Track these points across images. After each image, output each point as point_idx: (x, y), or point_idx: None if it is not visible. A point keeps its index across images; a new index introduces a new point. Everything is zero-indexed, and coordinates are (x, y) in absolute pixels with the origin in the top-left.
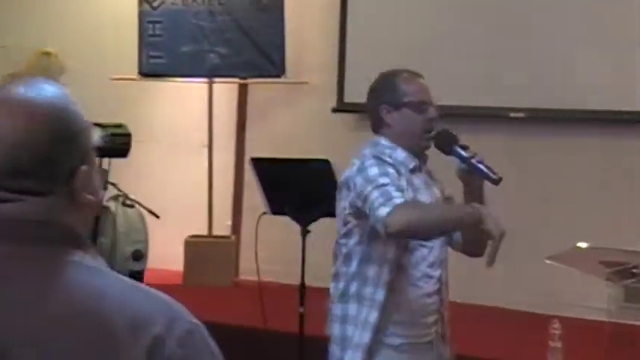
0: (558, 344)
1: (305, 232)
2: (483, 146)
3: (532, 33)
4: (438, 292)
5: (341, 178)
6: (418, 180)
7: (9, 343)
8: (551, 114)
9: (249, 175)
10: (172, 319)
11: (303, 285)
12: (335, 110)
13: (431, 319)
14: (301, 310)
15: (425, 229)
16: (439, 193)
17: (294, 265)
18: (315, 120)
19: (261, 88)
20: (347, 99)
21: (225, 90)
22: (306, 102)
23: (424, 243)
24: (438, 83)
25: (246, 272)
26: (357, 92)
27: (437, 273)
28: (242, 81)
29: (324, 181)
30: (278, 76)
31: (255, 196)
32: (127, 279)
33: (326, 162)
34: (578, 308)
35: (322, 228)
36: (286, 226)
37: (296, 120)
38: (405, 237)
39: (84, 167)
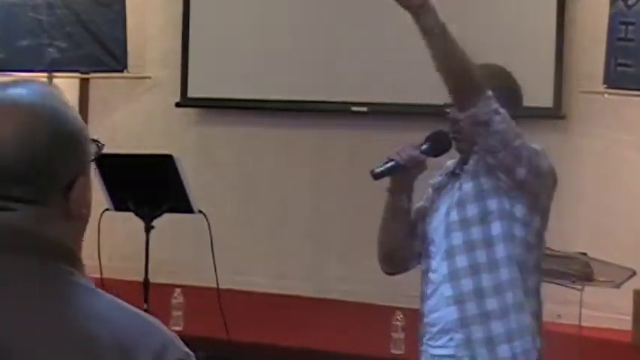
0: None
1: (149, 228)
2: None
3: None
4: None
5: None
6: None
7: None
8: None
9: (91, 171)
10: (163, 347)
11: (147, 281)
12: (178, 105)
13: None
14: (145, 306)
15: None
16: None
17: (139, 261)
18: (159, 115)
19: (102, 83)
20: (190, 94)
21: (66, 85)
22: (149, 97)
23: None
24: (283, 78)
25: (88, 270)
26: (201, 87)
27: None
28: (83, 75)
29: (167, 177)
30: (120, 70)
31: (97, 193)
32: (119, 301)
33: (169, 157)
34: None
35: (166, 223)
36: (129, 222)
37: (139, 115)
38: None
39: (82, 178)
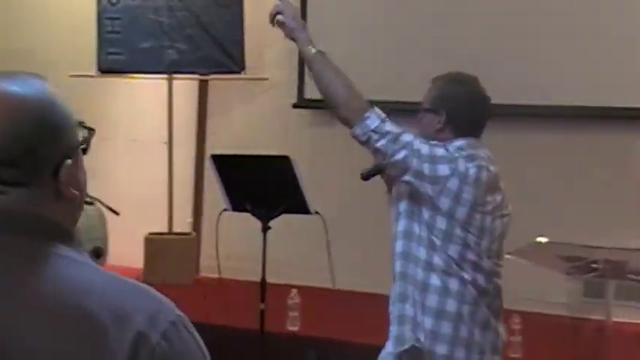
0: (518, 339)
1: (265, 229)
2: None
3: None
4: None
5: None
6: None
7: None
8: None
9: (210, 172)
10: (157, 312)
11: (263, 281)
12: (295, 106)
13: None
14: (262, 306)
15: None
16: None
17: (255, 261)
18: (275, 116)
19: (221, 84)
20: (307, 95)
21: (185, 86)
22: (266, 98)
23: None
24: (405, 80)
25: (207, 269)
26: (317, 89)
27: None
28: (202, 77)
29: (284, 178)
30: (238, 72)
31: (215, 193)
32: (111, 273)
33: (286, 158)
34: (538, 303)
35: (283, 224)
36: (247, 222)
37: (256, 116)
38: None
39: (69, 161)
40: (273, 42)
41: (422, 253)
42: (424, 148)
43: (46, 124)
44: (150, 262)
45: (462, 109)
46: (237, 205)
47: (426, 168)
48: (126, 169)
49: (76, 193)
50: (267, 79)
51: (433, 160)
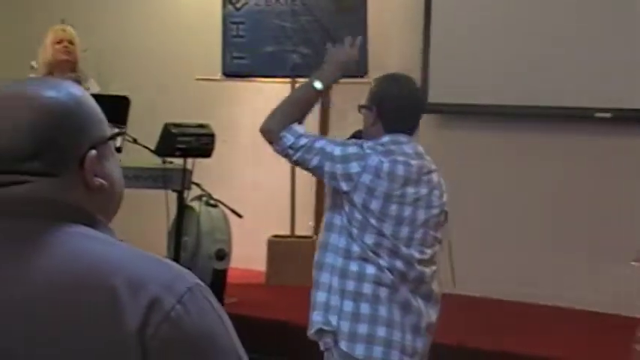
0: None
1: None
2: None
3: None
4: None
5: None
6: None
7: (9, 312)
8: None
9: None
10: (173, 279)
11: None
12: None
13: None
14: None
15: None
16: None
17: None
18: None
19: (343, 89)
20: (430, 100)
21: None
22: None
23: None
24: (526, 84)
25: None
26: (441, 93)
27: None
28: None
29: None
30: (360, 76)
31: None
32: (132, 247)
33: None
34: None
35: None
36: None
37: None
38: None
39: (93, 152)
40: (396, 46)
41: (342, 242)
42: (336, 150)
43: (68, 118)
44: (272, 265)
45: (391, 106)
46: None
47: (339, 168)
48: (249, 172)
49: (103, 182)
50: None
51: (345, 159)
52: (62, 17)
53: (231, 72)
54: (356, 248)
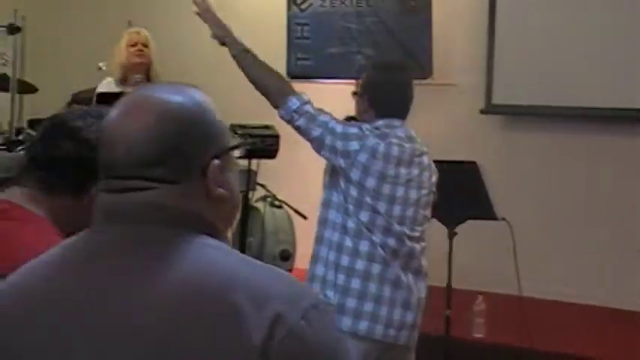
0: None
1: (452, 234)
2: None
3: None
4: None
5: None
6: None
7: (127, 316)
8: None
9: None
10: (297, 294)
11: (449, 287)
12: (483, 112)
13: None
14: (448, 312)
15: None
16: None
17: (441, 267)
18: (463, 122)
19: None
20: (495, 100)
21: None
22: (453, 104)
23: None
24: (591, 83)
25: None
26: (506, 94)
27: None
28: None
29: (471, 184)
30: (425, 77)
31: None
32: (253, 259)
33: (473, 164)
34: None
35: (469, 230)
36: (432, 227)
37: (443, 121)
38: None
39: (216, 161)
40: (461, 48)
41: (339, 218)
42: (338, 128)
43: (194, 126)
44: None
45: (382, 93)
46: None
47: (339, 144)
48: (313, 173)
49: (224, 192)
50: (454, 84)
51: (345, 137)
52: (129, 19)
53: (296, 73)
54: (351, 224)
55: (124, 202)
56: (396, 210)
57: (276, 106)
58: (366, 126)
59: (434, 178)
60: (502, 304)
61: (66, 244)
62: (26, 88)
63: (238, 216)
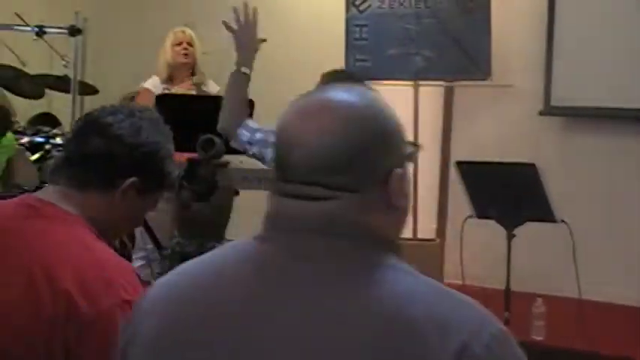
0: None
1: (510, 236)
2: None
3: None
4: None
5: None
6: None
7: (302, 339)
8: None
9: (454, 178)
10: (481, 324)
11: (508, 290)
12: (541, 113)
13: None
14: (506, 314)
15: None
16: None
17: (500, 269)
18: (521, 123)
19: (466, 91)
20: (554, 102)
21: (431, 93)
22: (511, 105)
23: None
24: None
25: (451, 276)
26: (565, 95)
27: None
28: (448, 84)
29: (530, 185)
30: (484, 78)
31: (460, 199)
32: (434, 282)
33: (532, 166)
34: None
35: (528, 232)
36: (491, 229)
37: (501, 123)
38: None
39: (399, 170)
40: (520, 49)
41: None
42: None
43: (379, 133)
44: None
45: None
46: (481, 212)
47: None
48: None
49: (403, 203)
50: (512, 86)
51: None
52: (190, 20)
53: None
54: None
55: (301, 210)
56: None
57: (227, 132)
58: None
59: None
60: (562, 306)
61: (231, 250)
62: (87, 90)
63: None
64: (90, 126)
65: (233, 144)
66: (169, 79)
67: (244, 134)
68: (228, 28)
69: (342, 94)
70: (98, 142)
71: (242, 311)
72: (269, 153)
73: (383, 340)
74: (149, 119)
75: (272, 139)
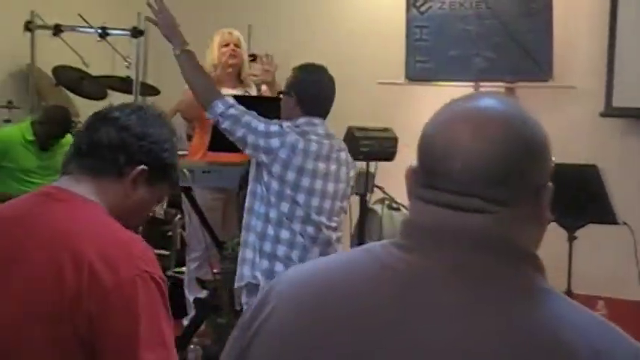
0: None
1: (571, 238)
2: None
3: None
4: None
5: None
6: None
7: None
8: None
9: None
10: (636, 352)
11: (569, 292)
12: (603, 115)
13: None
14: None
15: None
16: None
17: (561, 271)
18: (583, 124)
19: (527, 92)
20: (615, 103)
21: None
22: (572, 106)
23: None
24: None
25: None
26: (626, 96)
27: None
28: (509, 85)
29: (591, 187)
30: (545, 80)
31: None
32: (579, 305)
33: (593, 167)
34: None
35: (589, 234)
36: (552, 231)
37: (563, 124)
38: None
39: (550, 184)
40: (582, 50)
41: (262, 208)
42: (260, 127)
43: (534, 144)
44: None
45: (308, 93)
46: None
47: (261, 142)
48: None
49: (550, 216)
50: (574, 87)
51: (267, 135)
52: (250, 23)
53: (415, 76)
54: (273, 214)
55: (455, 222)
56: (314, 201)
57: (204, 107)
58: (286, 124)
59: (352, 173)
60: (624, 309)
61: (367, 254)
62: (149, 91)
63: (357, 218)
64: (99, 119)
65: (207, 114)
66: (216, 81)
67: (219, 106)
68: (152, 21)
69: (498, 104)
70: (108, 130)
71: (386, 319)
72: (240, 132)
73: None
74: (155, 114)
75: (245, 119)
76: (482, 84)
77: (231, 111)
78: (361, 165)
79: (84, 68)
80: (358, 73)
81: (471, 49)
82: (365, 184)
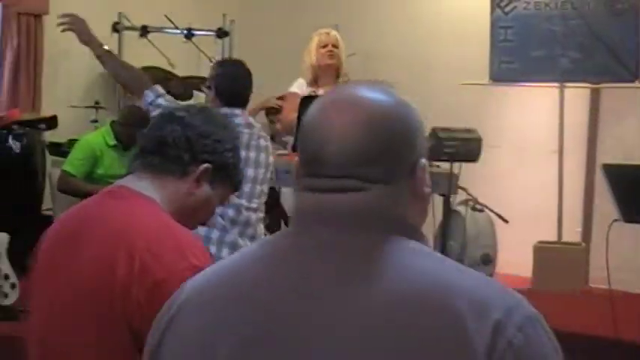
0: None
1: None
2: None
3: None
4: None
5: None
6: None
7: (345, 336)
8: None
9: (600, 181)
10: (514, 305)
11: None
12: None
13: None
14: None
15: None
16: None
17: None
18: None
19: (613, 93)
20: None
21: (577, 95)
22: None
23: None
24: None
25: (596, 280)
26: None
27: None
28: (594, 86)
29: None
30: (632, 80)
31: (606, 203)
32: (460, 265)
33: None
34: None
35: None
36: (638, 233)
37: None
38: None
39: (423, 161)
40: None
41: None
42: None
43: (406, 124)
44: (539, 271)
45: (225, 85)
46: (628, 216)
47: None
48: (515, 176)
49: (427, 191)
50: None
51: None
52: (336, 23)
53: (500, 77)
54: None
55: (335, 203)
56: None
57: (138, 97)
58: None
59: (271, 159)
60: None
61: (267, 245)
62: None
63: (440, 219)
64: (165, 118)
65: (142, 104)
66: (314, 81)
67: (149, 95)
68: (70, 29)
69: (365, 90)
70: (174, 128)
71: (274, 306)
72: None
73: (420, 325)
74: (219, 115)
75: (174, 108)
76: (566, 85)
77: (160, 100)
78: (445, 166)
79: (170, 69)
80: (442, 74)
81: (556, 50)
82: (448, 185)
